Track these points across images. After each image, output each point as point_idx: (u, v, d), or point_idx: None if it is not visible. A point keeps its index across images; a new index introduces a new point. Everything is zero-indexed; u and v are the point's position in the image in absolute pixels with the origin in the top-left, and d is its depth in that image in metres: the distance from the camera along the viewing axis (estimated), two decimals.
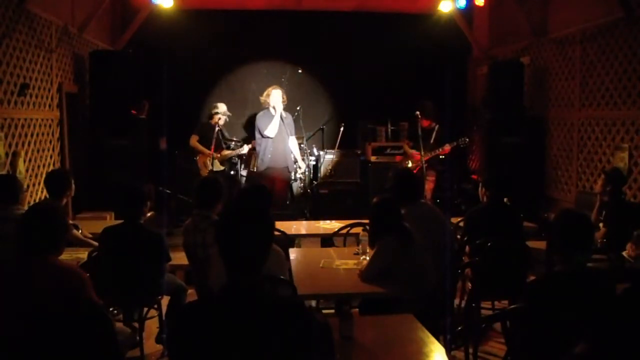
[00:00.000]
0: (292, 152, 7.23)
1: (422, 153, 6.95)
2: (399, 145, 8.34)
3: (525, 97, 7.68)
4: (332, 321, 2.67)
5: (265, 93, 7.07)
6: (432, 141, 7.17)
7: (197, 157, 7.59)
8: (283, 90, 7.09)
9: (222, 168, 7.63)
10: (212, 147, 7.46)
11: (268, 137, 6.92)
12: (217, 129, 7.52)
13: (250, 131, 8.88)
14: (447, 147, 7.10)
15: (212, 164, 7.51)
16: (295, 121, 8.62)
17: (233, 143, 8.25)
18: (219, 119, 7.61)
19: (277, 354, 1.85)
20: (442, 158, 8.10)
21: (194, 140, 7.58)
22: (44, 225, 2.71)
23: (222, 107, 7.68)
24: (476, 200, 5.06)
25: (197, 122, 8.22)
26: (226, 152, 7.70)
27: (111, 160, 6.93)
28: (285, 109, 7.18)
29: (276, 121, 6.90)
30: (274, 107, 6.92)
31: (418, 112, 7.02)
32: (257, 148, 7.13)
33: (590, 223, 2.75)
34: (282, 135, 7.02)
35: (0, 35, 5.26)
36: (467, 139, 7.17)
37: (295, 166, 7.46)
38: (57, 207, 3.17)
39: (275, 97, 6.93)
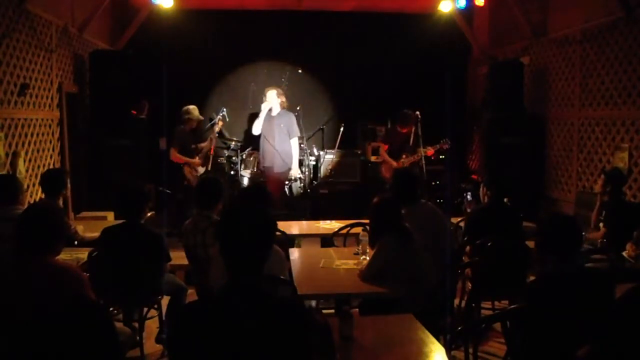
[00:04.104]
0: (289, 154, 7.11)
1: (405, 155, 7.05)
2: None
3: (525, 97, 7.68)
4: (332, 321, 2.67)
5: (264, 94, 7.10)
6: (411, 144, 7.17)
7: (183, 167, 7.21)
8: (279, 90, 7.06)
9: (203, 170, 7.29)
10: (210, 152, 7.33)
11: (255, 136, 7.05)
12: (217, 130, 7.41)
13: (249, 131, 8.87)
14: (431, 150, 7.13)
15: (197, 171, 7.29)
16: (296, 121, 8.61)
17: (233, 143, 8.25)
18: (194, 122, 7.32)
19: (277, 354, 1.85)
20: (441, 157, 8.13)
21: (175, 154, 7.12)
22: (40, 225, 2.71)
23: (195, 111, 7.29)
24: (476, 200, 5.07)
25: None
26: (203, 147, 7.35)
27: (111, 160, 6.92)
28: (287, 109, 7.20)
29: (260, 119, 6.95)
30: (271, 108, 6.95)
31: (419, 114, 7.03)
32: None
33: (576, 224, 2.74)
34: (272, 136, 6.98)
35: (0, 35, 5.26)
36: (449, 141, 7.18)
37: (289, 169, 7.24)
38: (54, 207, 3.17)
39: (268, 97, 7.00)
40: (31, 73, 5.91)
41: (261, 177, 7.21)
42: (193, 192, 6.96)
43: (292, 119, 7.21)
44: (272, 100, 7.00)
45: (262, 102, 7.20)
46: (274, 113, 7.08)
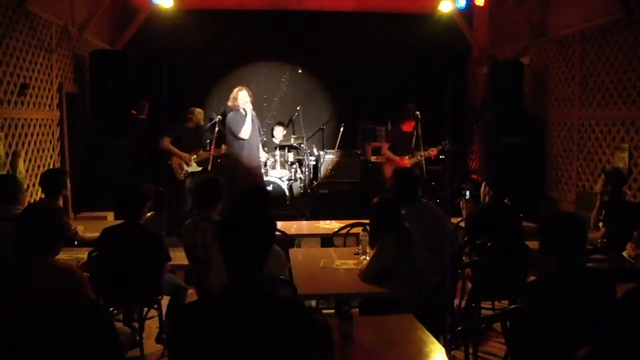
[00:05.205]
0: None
1: (410, 156, 7.08)
2: None
3: (525, 97, 7.68)
4: (332, 321, 2.66)
5: (231, 96, 6.83)
6: (413, 145, 7.18)
7: (171, 159, 7.31)
8: (248, 89, 6.89)
9: (199, 169, 7.32)
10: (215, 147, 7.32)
11: (242, 139, 6.75)
12: (216, 128, 7.42)
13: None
14: (434, 151, 7.17)
15: (188, 165, 7.31)
16: (295, 121, 8.63)
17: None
18: (195, 123, 7.44)
19: (277, 354, 1.85)
20: (441, 158, 8.13)
21: (166, 143, 7.25)
22: (40, 225, 2.71)
23: (199, 115, 7.49)
24: (476, 200, 5.06)
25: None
26: (203, 154, 7.38)
27: (111, 160, 6.92)
28: (260, 109, 7.23)
29: (249, 122, 6.74)
30: (244, 109, 6.74)
31: (418, 113, 7.04)
32: (230, 150, 6.94)
33: (582, 223, 2.74)
34: (254, 135, 6.89)
35: (0, 35, 5.26)
36: (449, 142, 7.22)
37: (263, 161, 7.36)
38: (53, 207, 3.17)
39: (243, 98, 6.75)
40: (31, 73, 5.91)
41: (238, 179, 6.95)
42: (179, 184, 7.15)
43: (255, 115, 7.03)
44: (247, 100, 6.77)
45: (230, 105, 6.95)
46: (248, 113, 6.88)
